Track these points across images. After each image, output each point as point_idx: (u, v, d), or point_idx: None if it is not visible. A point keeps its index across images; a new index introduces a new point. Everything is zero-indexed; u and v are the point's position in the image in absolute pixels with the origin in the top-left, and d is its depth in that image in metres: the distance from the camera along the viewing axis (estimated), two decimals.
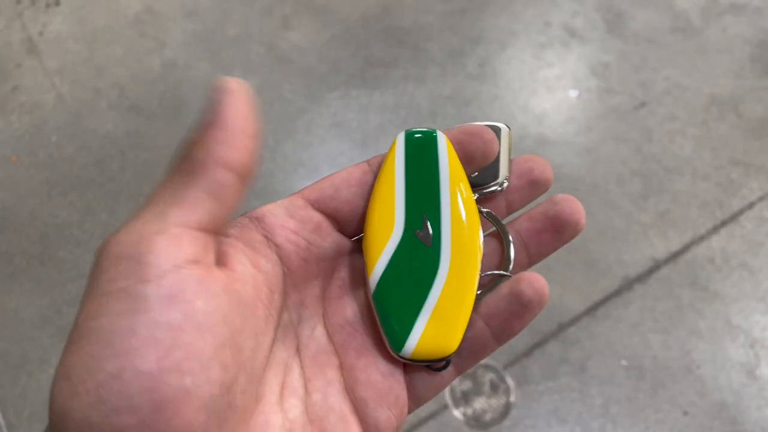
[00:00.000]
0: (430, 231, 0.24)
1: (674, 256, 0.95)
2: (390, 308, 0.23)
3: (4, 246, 0.99)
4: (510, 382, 0.87)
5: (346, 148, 1.06)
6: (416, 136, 0.25)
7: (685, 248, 0.96)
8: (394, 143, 0.25)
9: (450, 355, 0.24)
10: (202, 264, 0.20)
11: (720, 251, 0.96)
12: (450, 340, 0.23)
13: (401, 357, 0.23)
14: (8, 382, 0.89)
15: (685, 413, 0.85)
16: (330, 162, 1.05)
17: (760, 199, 1.00)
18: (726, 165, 1.03)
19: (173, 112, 1.10)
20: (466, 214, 0.24)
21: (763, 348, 0.89)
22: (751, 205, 1.00)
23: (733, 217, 0.99)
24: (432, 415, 0.85)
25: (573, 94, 1.11)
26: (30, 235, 1.00)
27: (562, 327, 0.90)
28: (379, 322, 0.23)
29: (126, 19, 1.21)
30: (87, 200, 1.02)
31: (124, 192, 1.03)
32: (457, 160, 0.25)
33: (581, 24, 1.18)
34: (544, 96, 1.11)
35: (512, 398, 0.86)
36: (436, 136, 0.24)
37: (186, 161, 0.21)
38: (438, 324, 0.23)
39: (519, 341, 0.89)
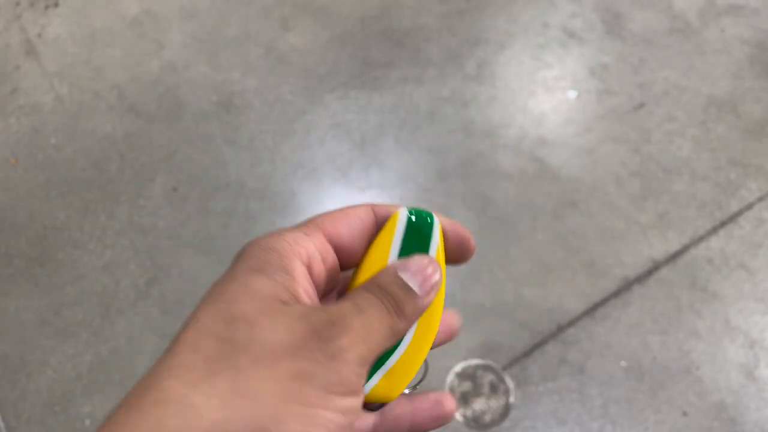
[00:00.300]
0: None
1: (673, 257, 0.95)
2: None
3: (3, 248, 0.99)
4: (509, 383, 0.87)
5: (345, 149, 1.06)
6: (416, 216, 0.27)
7: (684, 249, 0.96)
8: (395, 216, 0.27)
9: (385, 404, 0.27)
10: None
11: (719, 252, 0.96)
12: (391, 395, 0.26)
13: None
14: (7, 384, 0.89)
15: (685, 414, 0.85)
16: (329, 163, 1.05)
17: (759, 199, 1.00)
18: (725, 166, 1.03)
19: (172, 114, 1.10)
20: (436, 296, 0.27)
21: (762, 349, 0.89)
22: (749, 206, 1.00)
23: (732, 218, 0.99)
24: None
25: (572, 95, 1.11)
26: (29, 236, 0.99)
27: (562, 328, 0.90)
28: None
29: (125, 21, 1.21)
30: (86, 202, 1.02)
31: (123, 193, 1.03)
32: (443, 247, 0.27)
33: (580, 25, 1.18)
34: (542, 97, 1.11)
35: (512, 399, 0.86)
36: (432, 222, 0.27)
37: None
38: (388, 381, 0.26)
39: (518, 342, 0.89)
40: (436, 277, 0.25)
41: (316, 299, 0.25)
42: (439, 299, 0.27)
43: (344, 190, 1.03)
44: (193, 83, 1.13)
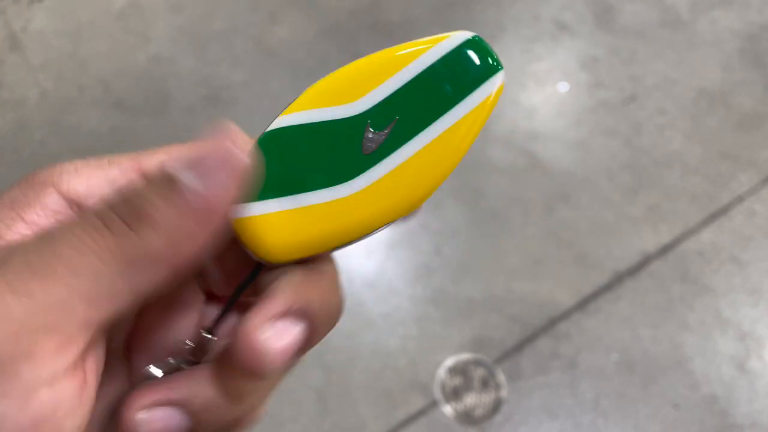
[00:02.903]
0: (381, 142, 0.18)
1: (664, 250, 0.95)
2: (264, 163, 0.18)
3: None
4: (501, 377, 0.87)
5: None
6: (478, 48, 0.18)
7: (675, 242, 0.96)
8: (447, 36, 0.18)
9: (269, 263, 0.18)
10: (81, 369, 0.15)
11: (710, 245, 0.96)
12: (288, 246, 0.17)
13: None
14: None
15: (676, 407, 0.85)
16: None
17: (750, 192, 1.00)
18: (715, 158, 1.03)
19: (159, 108, 1.09)
20: (441, 159, 0.18)
21: (753, 341, 0.89)
22: (740, 199, 1.00)
23: (723, 211, 0.99)
24: (422, 411, 0.85)
25: (562, 88, 1.10)
26: None
27: (553, 322, 0.90)
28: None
29: (110, 14, 1.19)
30: None
31: None
32: (488, 115, 0.18)
33: (570, 18, 1.18)
34: (533, 90, 1.10)
35: (503, 393, 0.86)
36: (496, 67, 0.18)
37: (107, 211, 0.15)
38: (287, 223, 0.17)
39: (510, 336, 0.89)
40: (230, 152, 0.15)
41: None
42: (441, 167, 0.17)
43: None
44: (180, 77, 1.12)
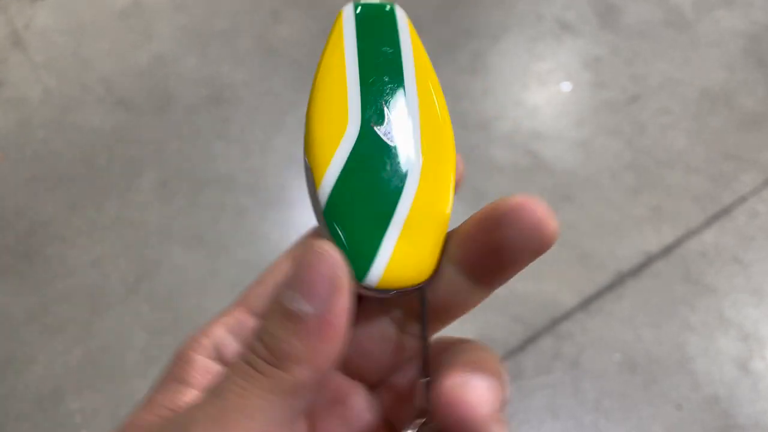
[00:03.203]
0: (393, 125, 0.18)
1: (667, 250, 0.95)
2: (347, 226, 0.18)
3: None
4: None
5: None
6: (368, 8, 0.19)
7: (678, 242, 0.96)
8: (339, 18, 0.19)
9: (426, 281, 0.18)
10: None
11: (712, 245, 0.96)
12: (425, 263, 0.18)
13: (365, 287, 0.18)
14: None
15: (678, 407, 0.85)
16: None
17: (752, 192, 1.00)
18: (718, 159, 1.03)
19: (161, 107, 1.09)
20: (438, 103, 0.18)
21: (755, 341, 0.89)
22: (743, 199, 0.99)
23: (726, 211, 0.99)
24: None
25: (565, 87, 1.10)
26: (17, 231, 0.98)
27: (555, 322, 0.90)
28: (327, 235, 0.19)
29: (113, 12, 1.19)
30: (74, 196, 1.01)
31: (113, 188, 1.02)
32: (419, 40, 0.19)
33: (573, 17, 1.17)
34: (536, 90, 1.10)
35: (505, 393, 0.86)
36: (393, 10, 0.19)
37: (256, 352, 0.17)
38: (410, 242, 0.18)
39: (512, 336, 0.89)
40: (330, 266, 0.16)
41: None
42: (444, 110, 0.18)
43: None
44: (182, 76, 1.12)
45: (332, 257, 0.16)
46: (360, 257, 0.18)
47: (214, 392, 0.17)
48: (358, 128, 0.18)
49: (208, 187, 1.01)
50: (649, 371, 0.87)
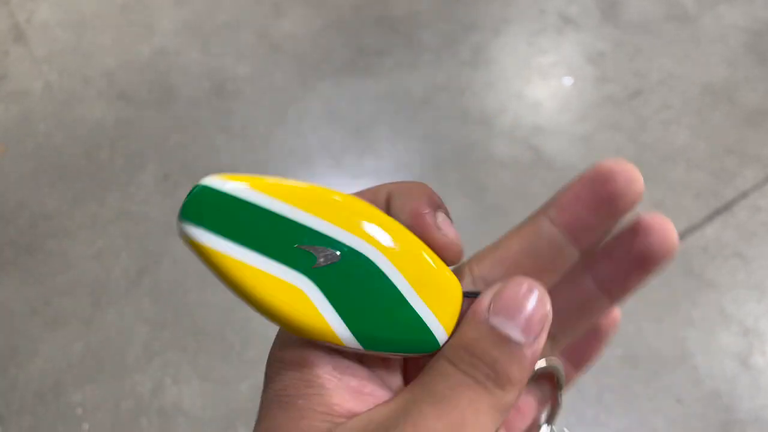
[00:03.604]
0: (326, 252, 0.19)
1: None
2: (387, 335, 0.19)
3: None
4: None
5: (339, 137, 1.05)
6: (193, 207, 0.19)
7: (680, 237, 0.96)
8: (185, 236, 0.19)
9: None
10: None
11: (714, 240, 0.96)
12: (453, 295, 0.20)
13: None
14: None
15: (679, 401, 0.85)
16: (323, 150, 1.04)
17: (754, 188, 1.00)
18: (720, 154, 1.03)
19: (163, 101, 1.09)
20: (349, 204, 0.20)
21: (756, 337, 0.89)
22: (744, 194, 0.99)
23: (727, 207, 0.99)
24: None
25: (567, 82, 1.10)
26: (18, 225, 0.98)
27: None
28: (388, 354, 0.20)
29: (115, 5, 1.19)
30: (76, 190, 1.01)
31: (114, 181, 1.02)
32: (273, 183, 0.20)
33: (576, 11, 1.17)
34: (538, 84, 1.10)
35: None
36: (210, 189, 0.19)
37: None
38: (429, 297, 0.19)
39: None
40: (545, 306, 0.18)
41: (364, 383, 0.19)
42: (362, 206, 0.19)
43: (338, 178, 1.02)
44: (184, 70, 1.12)
45: (546, 298, 0.18)
46: (421, 336, 0.19)
47: (444, 400, 0.17)
48: (306, 279, 0.19)
49: None
50: (651, 366, 0.87)
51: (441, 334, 0.19)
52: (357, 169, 1.02)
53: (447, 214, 0.21)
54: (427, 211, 0.20)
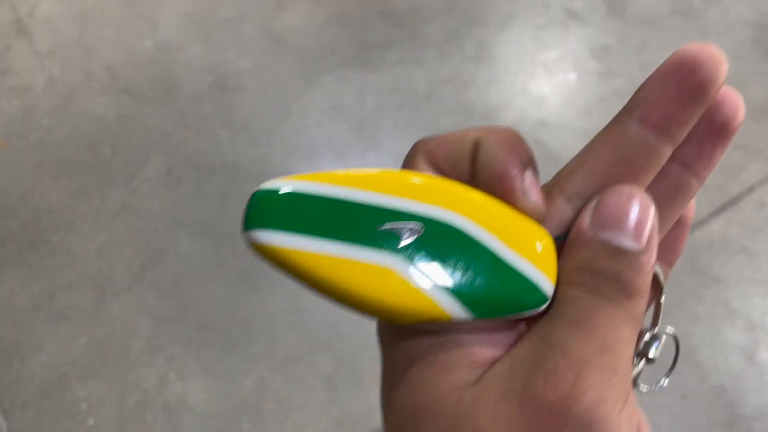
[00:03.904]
0: (409, 225, 0.18)
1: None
2: (493, 299, 0.18)
3: None
4: None
5: (343, 132, 1.04)
6: (257, 212, 0.18)
7: None
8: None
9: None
10: None
11: (719, 235, 0.95)
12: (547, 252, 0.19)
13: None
14: (2, 369, 0.88)
15: (684, 397, 0.85)
16: (326, 145, 1.03)
17: (760, 183, 0.99)
18: (726, 149, 1.02)
19: (166, 95, 1.09)
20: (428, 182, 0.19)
21: (762, 332, 0.88)
22: (750, 189, 0.99)
23: (733, 202, 0.98)
24: None
25: (572, 76, 1.10)
26: (22, 219, 0.98)
27: None
28: (498, 319, 0.19)
29: None
30: (79, 184, 1.01)
31: (117, 176, 1.01)
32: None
33: (581, 6, 1.16)
34: (543, 79, 1.09)
35: None
36: (271, 191, 0.18)
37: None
38: (526, 253, 0.19)
39: None
40: (650, 210, 0.18)
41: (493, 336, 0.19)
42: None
43: None
44: (187, 64, 1.11)
45: (649, 201, 0.18)
46: (527, 289, 0.18)
47: (582, 324, 0.17)
48: (394, 257, 0.18)
49: (214, 175, 1.01)
50: (656, 361, 0.87)
51: (547, 285, 0.18)
52: (360, 163, 1.02)
53: (535, 170, 0.20)
54: (514, 172, 0.19)
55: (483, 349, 0.18)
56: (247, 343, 0.88)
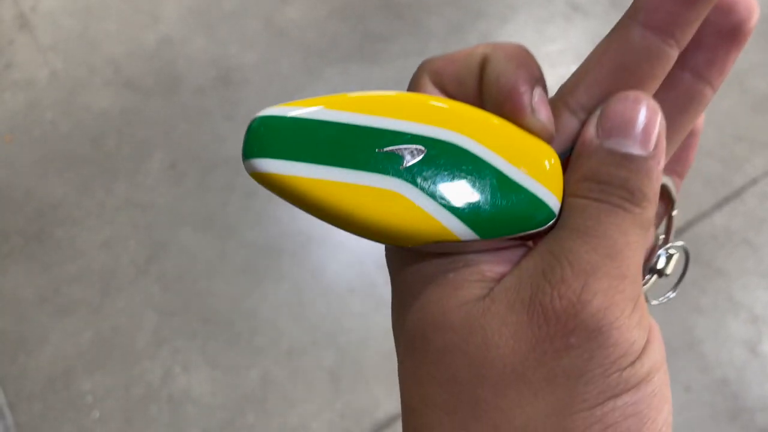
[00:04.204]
0: (412, 147, 0.18)
1: (677, 233, 0.95)
2: (499, 217, 0.18)
3: (0, 225, 0.98)
4: None
5: None
6: (257, 139, 0.18)
7: (688, 225, 0.95)
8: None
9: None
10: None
11: (723, 228, 0.95)
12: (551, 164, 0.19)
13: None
14: (7, 362, 0.88)
15: (687, 389, 0.85)
16: None
17: (764, 175, 0.99)
18: (730, 141, 1.02)
19: (169, 89, 1.09)
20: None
21: (765, 324, 0.89)
22: (754, 182, 0.99)
23: (737, 194, 0.98)
24: None
25: (575, 68, 1.09)
26: (26, 214, 0.98)
27: None
28: (505, 237, 0.18)
29: None
30: (83, 178, 1.01)
31: (121, 170, 1.02)
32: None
33: None
34: (546, 71, 1.09)
35: None
36: (271, 117, 0.18)
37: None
38: (533, 169, 0.18)
39: None
40: (657, 114, 0.17)
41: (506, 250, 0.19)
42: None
43: None
44: (190, 58, 1.11)
45: (655, 105, 0.18)
46: (534, 205, 0.18)
47: (590, 232, 0.17)
48: (397, 180, 0.18)
49: (217, 169, 1.01)
50: None
51: (553, 201, 0.18)
52: None
53: (544, 87, 0.19)
54: (523, 89, 0.18)
55: (491, 266, 0.18)
56: (251, 336, 0.88)
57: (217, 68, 1.10)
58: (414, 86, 0.20)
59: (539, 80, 0.19)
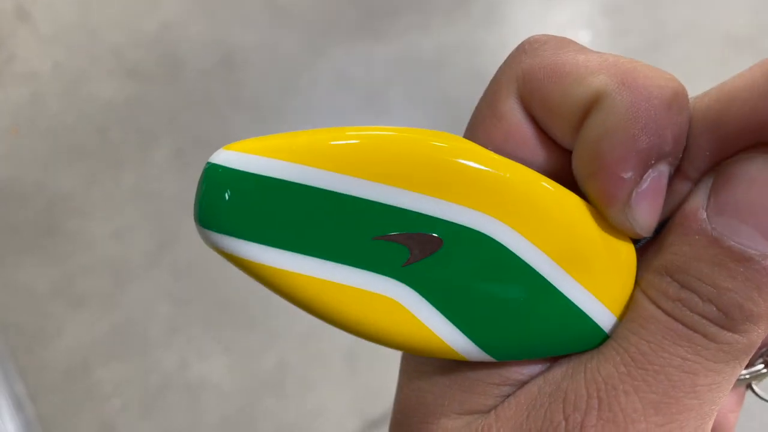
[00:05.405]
0: (420, 237, 0.13)
1: None
2: (526, 338, 0.14)
3: (11, 219, 0.98)
4: None
5: (352, 103, 1.03)
6: (210, 205, 0.14)
7: None
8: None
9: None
10: None
11: None
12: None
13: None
14: (25, 354, 0.89)
15: None
16: (336, 117, 1.02)
17: None
18: None
19: (172, 75, 1.08)
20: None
21: None
22: None
23: None
24: None
25: (585, 36, 1.07)
26: (36, 207, 0.99)
27: None
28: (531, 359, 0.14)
29: None
30: (91, 169, 1.01)
31: (128, 159, 1.01)
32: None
33: None
34: None
35: None
36: (224, 170, 0.13)
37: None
38: (586, 274, 0.13)
39: None
40: None
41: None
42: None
43: None
44: (191, 42, 1.10)
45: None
46: (576, 324, 0.13)
47: (638, 362, 0.12)
48: (404, 289, 0.13)
49: None
50: None
51: (607, 318, 0.13)
52: None
53: (672, 164, 0.13)
54: (626, 172, 0.12)
55: (521, 366, 0.14)
56: (265, 320, 0.88)
57: (219, 52, 1.09)
58: (491, 93, 0.15)
59: (666, 156, 0.12)
